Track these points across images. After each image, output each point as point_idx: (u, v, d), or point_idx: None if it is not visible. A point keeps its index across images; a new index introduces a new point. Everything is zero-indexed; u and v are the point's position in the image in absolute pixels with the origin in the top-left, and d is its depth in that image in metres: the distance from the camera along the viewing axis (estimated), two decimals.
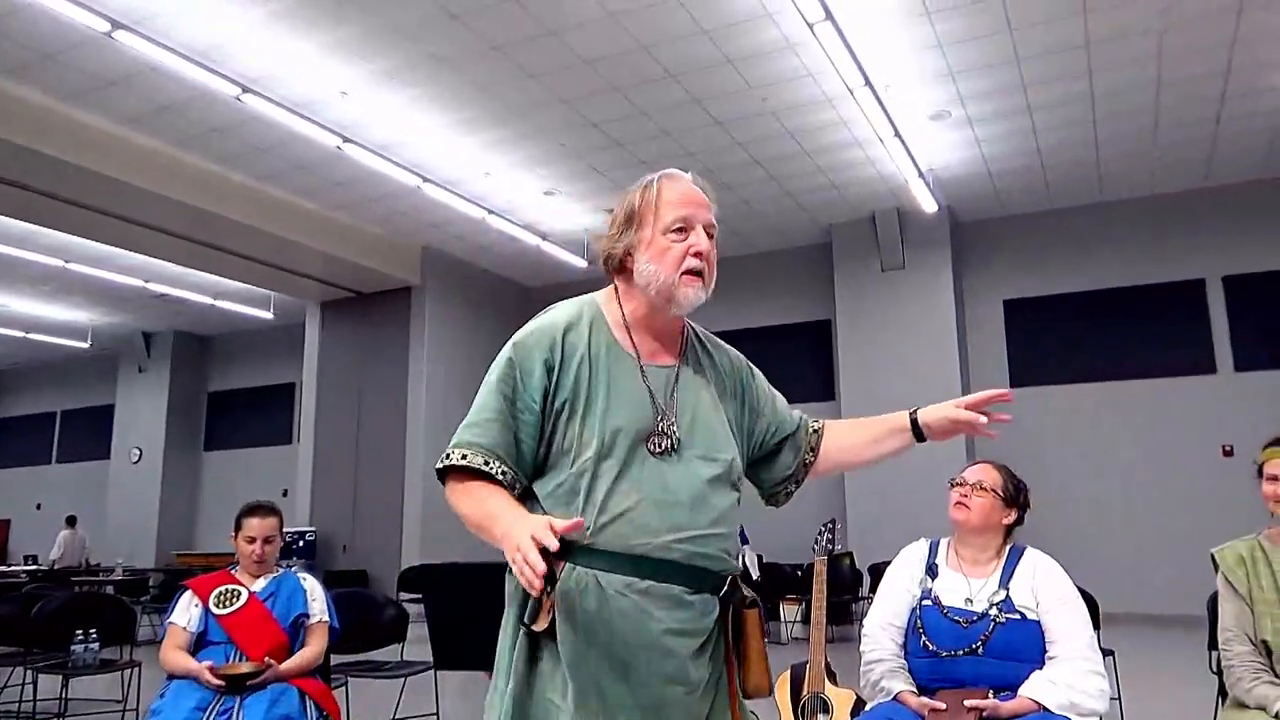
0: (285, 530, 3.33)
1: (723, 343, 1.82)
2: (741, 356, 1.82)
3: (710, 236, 1.61)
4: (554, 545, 1.30)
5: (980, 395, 1.71)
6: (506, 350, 1.62)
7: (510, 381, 1.59)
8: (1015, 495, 2.50)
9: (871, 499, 9.57)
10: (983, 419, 1.69)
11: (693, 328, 1.76)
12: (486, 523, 1.48)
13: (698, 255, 1.58)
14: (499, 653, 1.57)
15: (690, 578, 1.51)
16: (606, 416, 1.55)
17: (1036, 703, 2.19)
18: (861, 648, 2.50)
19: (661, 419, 1.57)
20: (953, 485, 2.52)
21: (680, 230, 1.58)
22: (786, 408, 1.84)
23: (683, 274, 1.57)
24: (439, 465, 1.58)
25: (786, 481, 1.81)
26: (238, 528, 3.22)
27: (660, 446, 1.55)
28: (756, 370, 1.83)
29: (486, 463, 1.54)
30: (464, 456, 1.54)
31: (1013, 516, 2.48)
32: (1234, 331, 9.25)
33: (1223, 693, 2.50)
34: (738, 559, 1.64)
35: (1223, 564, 2.47)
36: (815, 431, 1.83)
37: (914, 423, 1.75)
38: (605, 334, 1.63)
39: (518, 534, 1.33)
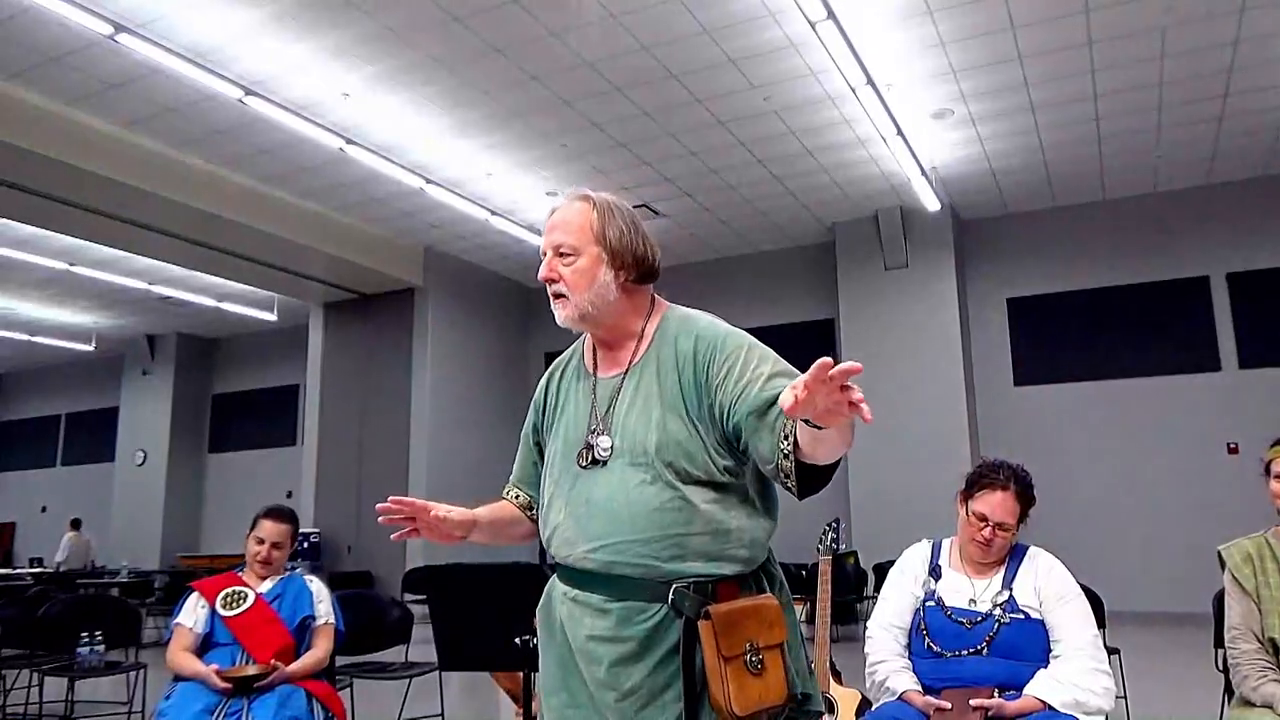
0: None
1: (697, 324, 1.65)
2: (709, 332, 1.62)
3: (559, 254, 1.65)
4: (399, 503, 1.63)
5: (811, 372, 1.24)
6: None
7: (528, 423, 1.85)
8: (1027, 510, 2.43)
9: (875, 498, 9.56)
10: (788, 401, 1.26)
11: (672, 322, 1.68)
12: None
13: (544, 280, 1.67)
14: None
15: (610, 587, 1.54)
16: (553, 440, 1.72)
17: (1042, 701, 2.18)
18: (866, 649, 2.49)
19: (592, 432, 1.63)
20: (970, 511, 2.42)
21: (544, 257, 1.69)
22: (758, 386, 1.50)
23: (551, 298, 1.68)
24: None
25: (775, 477, 1.49)
26: (254, 526, 3.23)
27: (587, 459, 1.61)
28: (733, 343, 1.58)
29: (507, 491, 1.85)
30: (504, 489, 1.87)
31: (1022, 524, 2.45)
32: (1238, 328, 9.23)
33: (1229, 691, 2.49)
34: (707, 560, 1.52)
35: (1230, 561, 2.45)
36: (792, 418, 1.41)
37: None
38: (579, 360, 1.77)
39: None
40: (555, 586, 1.65)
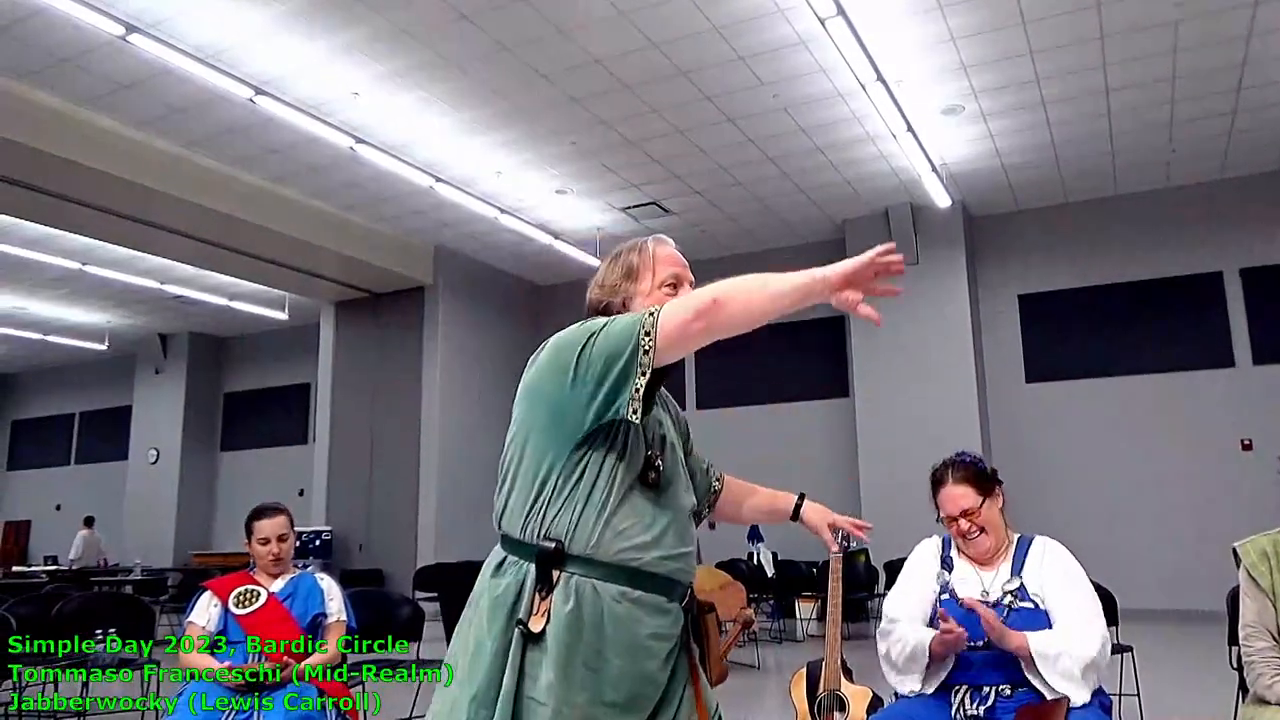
0: (302, 530, 3.35)
1: None
2: None
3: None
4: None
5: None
6: None
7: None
8: (990, 480, 2.47)
9: (886, 496, 9.53)
10: (849, 522, 2.10)
11: None
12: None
13: None
14: (470, 653, 1.65)
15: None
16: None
17: (1030, 650, 2.21)
18: (881, 627, 2.49)
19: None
20: (944, 521, 2.47)
21: (673, 285, 1.82)
22: None
23: None
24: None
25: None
26: (249, 532, 3.24)
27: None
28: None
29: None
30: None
31: (1000, 497, 2.47)
32: (1252, 324, 9.17)
33: (1243, 689, 2.48)
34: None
35: (1245, 558, 2.43)
36: None
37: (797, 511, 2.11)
38: None
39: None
40: (599, 587, 1.62)
